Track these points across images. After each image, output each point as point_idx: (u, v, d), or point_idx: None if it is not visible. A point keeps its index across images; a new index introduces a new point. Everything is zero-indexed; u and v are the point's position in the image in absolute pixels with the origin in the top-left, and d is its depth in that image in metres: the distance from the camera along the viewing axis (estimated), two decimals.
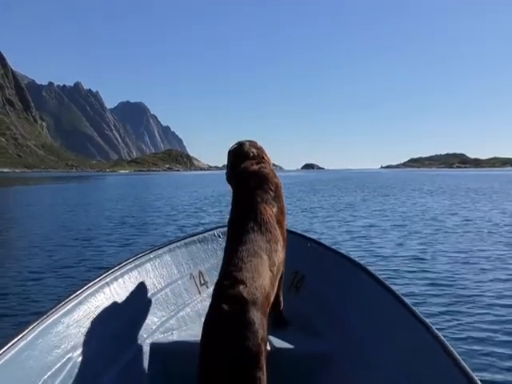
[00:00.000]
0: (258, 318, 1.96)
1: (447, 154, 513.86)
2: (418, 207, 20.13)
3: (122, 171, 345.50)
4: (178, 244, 3.16)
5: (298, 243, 3.18)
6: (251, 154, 2.68)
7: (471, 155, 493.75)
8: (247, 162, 2.62)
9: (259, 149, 2.75)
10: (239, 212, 2.44)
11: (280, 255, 2.36)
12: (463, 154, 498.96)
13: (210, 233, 3.38)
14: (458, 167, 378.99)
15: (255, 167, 2.57)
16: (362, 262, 2.97)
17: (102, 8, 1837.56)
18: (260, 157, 2.69)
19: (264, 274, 2.14)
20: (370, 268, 2.83)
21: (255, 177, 2.51)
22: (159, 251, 3.01)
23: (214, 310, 2.00)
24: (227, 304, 1.95)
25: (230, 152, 2.79)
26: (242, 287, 2.00)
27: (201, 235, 3.33)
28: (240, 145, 2.75)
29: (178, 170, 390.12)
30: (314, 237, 3.51)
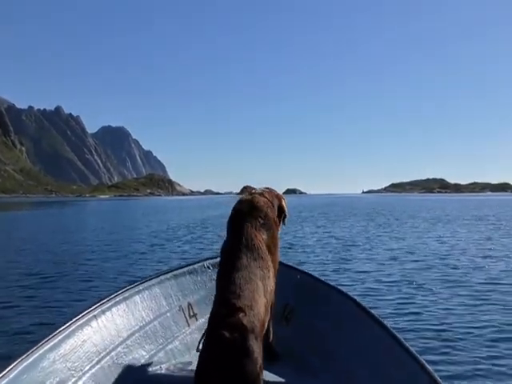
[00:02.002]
0: (257, 346, 1.97)
1: (428, 179, 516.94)
2: (442, 244, 15.27)
3: (102, 196, 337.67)
4: (168, 276, 3.11)
5: (288, 275, 3.12)
6: (253, 190, 2.78)
7: (451, 180, 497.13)
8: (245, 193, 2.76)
9: (265, 190, 2.82)
10: (231, 238, 2.47)
11: (271, 283, 2.38)
12: (443, 179, 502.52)
13: (200, 264, 3.32)
14: (438, 192, 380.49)
15: (248, 197, 2.69)
16: (352, 294, 2.89)
17: (83, 31, 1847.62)
18: (258, 192, 2.76)
19: (260, 301, 2.14)
20: (361, 301, 2.79)
21: (246, 204, 2.61)
22: (148, 283, 2.95)
23: (213, 337, 1.98)
24: (228, 332, 1.93)
25: None
26: (241, 315, 1.99)
27: (190, 267, 3.28)
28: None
29: (160, 195, 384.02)
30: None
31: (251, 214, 2.53)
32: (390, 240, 17.14)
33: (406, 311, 6.45)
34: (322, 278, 3.26)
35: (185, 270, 3.22)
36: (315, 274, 3.47)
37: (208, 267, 3.31)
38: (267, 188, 2.87)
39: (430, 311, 6.51)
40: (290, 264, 3.44)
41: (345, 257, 12.55)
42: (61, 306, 7.14)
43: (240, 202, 2.66)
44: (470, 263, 11.07)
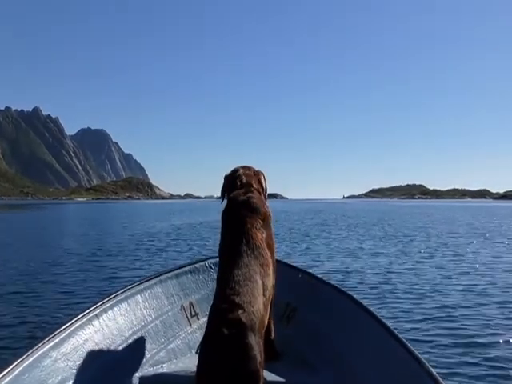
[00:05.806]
0: (256, 343, 1.97)
1: (408, 185, 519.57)
2: None
3: (79, 199, 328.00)
4: (169, 275, 3.11)
5: (289, 274, 3.15)
6: (239, 183, 2.74)
7: (429, 186, 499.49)
8: (235, 191, 2.70)
9: (250, 176, 2.82)
10: (232, 238, 2.45)
11: (271, 279, 2.40)
12: (422, 185, 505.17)
13: (201, 264, 3.33)
14: (419, 198, 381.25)
15: (243, 197, 2.63)
16: (353, 294, 2.90)
17: (61, 31, 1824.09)
18: (249, 185, 2.75)
19: (259, 298, 2.15)
20: (361, 300, 2.80)
21: (244, 206, 2.57)
22: (150, 282, 2.96)
23: (213, 333, 1.99)
24: (226, 328, 1.94)
25: (224, 178, 2.88)
26: (240, 311, 2.00)
27: (192, 266, 3.28)
28: (233, 172, 2.85)
29: (139, 199, 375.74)
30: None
31: (251, 216, 2.49)
32: (436, 264, 11.64)
33: None
34: (324, 278, 3.23)
35: (186, 269, 3.22)
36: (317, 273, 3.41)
37: (210, 266, 3.31)
38: (243, 167, 2.86)
39: None
40: (291, 263, 3.41)
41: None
42: None
43: (235, 202, 2.61)
44: None
